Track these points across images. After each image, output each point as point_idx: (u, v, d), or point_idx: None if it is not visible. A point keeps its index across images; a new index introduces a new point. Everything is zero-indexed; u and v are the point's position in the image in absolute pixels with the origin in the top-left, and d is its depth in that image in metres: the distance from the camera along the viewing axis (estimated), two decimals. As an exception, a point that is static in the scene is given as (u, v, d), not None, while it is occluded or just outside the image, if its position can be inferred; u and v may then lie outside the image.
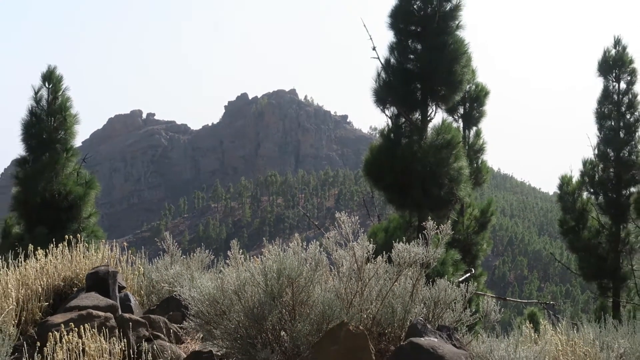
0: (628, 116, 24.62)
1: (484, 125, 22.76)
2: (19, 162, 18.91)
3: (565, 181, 25.31)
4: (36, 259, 9.15)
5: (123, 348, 7.00)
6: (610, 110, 24.74)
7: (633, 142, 24.37)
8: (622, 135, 24.44)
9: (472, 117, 22.14)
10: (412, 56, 16.58)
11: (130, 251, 10.41)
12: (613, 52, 25.05)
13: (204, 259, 10.61)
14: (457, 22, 16.40)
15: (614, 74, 24.91)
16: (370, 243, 7.98)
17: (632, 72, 24.86)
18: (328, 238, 8.08)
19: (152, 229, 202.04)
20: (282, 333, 7.38)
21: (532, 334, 8.62)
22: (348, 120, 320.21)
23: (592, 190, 24.92)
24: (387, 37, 16.87)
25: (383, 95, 16.53)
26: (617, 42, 25.07)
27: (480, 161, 22.04)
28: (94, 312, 7.90)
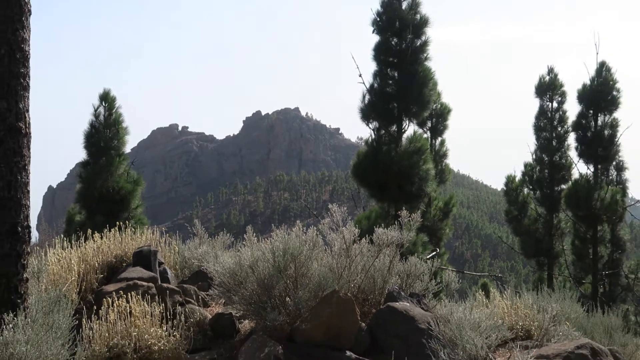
0: (559, 129, 25.49)
1: (447, 135, 22.92)
2: (82, 165, 19.28)
3: (510, 180, 26.34)
4: (94, 241, 9.19)
5: (162, 311, 6.99)
6: (545, 124, 25.62)
7: (563, 149, 25.26)
8: (554, 143, 25.32)
9: (438, 129, 22.27)
10: (390, 81, 17.15)
11: (167, 235, 10.42)
12: (547, 78, 25.83)
13: (226, 240, 10.55)
14: (425, 55, 17.07)
15: (548, 96, 25.71)
16: (356, 228, 8.19)
17: (562, 94, 25.67)
18: (323, 224, 8.26)
19: (185, 217, 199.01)
20: (287, 299, 7.33)
21: (484, 300, 8.91)
22: (340, 131, 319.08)
23: (531, 187, 25.79)
24: (370, 66, 17.49)
25: (367, 112, 17.13)
26: (550, 70, 25.92)
27: (444, 164, 22.12)
28: (139, 282, 7.96)
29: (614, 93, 24.03)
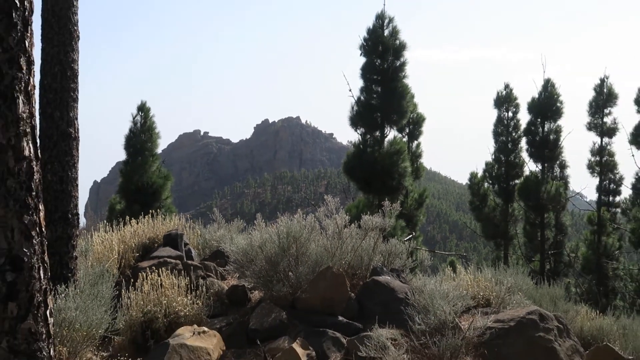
0: (513, 134, 25.33)
1: (422, 139, 22.33)
2: (122, 163, 19.17)
3: (473, 176, 26.19)
4: (131, 225, 9.21)
5: (187, 283, 7.02)
6: (502, 130, 25.48)
7: (516, 151, 25.14)
8: (509, 146, 25.20)
9: (414, 134, 22.05)
10: (374, 95, 17.09)
11: (191, 221, 10.40)
12: (504, 92, 25.74)
13: (239, 225, 10.49)
14: (403, 73, 17.02)
15: (504, 107, 25.57)
16: (346, 215, 8.19)
17: (516, 106, 25.55)
18: (320, 212, 8.31)
19: (206, 206, 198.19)
20: (290, 273, 7.29)
21: (452, 274, 8.92)
22: (333, 136, 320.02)
23: (490, 181, 25.64)
24: (358, 82, 17.45)
25: (356, 120, 17.10)
26: (507, 86, 25.78)
27: (418, 163, 21.89)
28: (168, 259, 7.96)
29: (558, 104, 24.20)
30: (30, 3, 2.57)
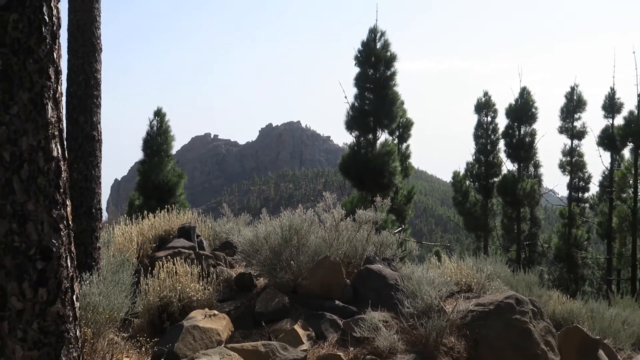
0: (492, 137, 25.43)
1: (411, 141, 22.47)
2: (140, 163, 19.13)
3: (456, 174, 26.19)
4: (148, 219, 9.14)
5: (199, 271, 6.98)
6: (482, 133, 25.57)
7: (495, 152, 25.25)
8: (489, 148, 25.31)
9: (404, 137, 21.99)
10: (367, 102, 17.13)
11: (203, 215, 10.36)
12: (483, 99, 25.82)
13: (246, 219, 10.36)
14: (394, 82, 17.09)
15: (484, 112, 25.68)
16: (342, 210, 8.13)
17: (495, 111, 25.65)
18: (318, 207, 8.23)
19: (216, 202, 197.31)
20: (292, 262, 7.23)
21: (437, 263, 8.84)
22: (330, 138, 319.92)
23: (471, 179, 25.66)
24: (352, 90, 17.55)
25: (351, 125, 17.14)
26: (486, 93, 25.95)
27: (407, 163, 21.83)
28: (182, 250, 7.92)
29: (533, 110, 24.36)
30: (58, 19, 2.57)
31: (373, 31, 17.87)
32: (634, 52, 22.98)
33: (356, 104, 17.37)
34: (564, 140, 26.49)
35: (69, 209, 2.62)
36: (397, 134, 21.95)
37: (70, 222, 2.62)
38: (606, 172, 26.07)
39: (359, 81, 17.46)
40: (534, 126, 24.50)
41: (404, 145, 22.48)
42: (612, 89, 25.61)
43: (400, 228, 15.31)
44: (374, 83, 17.22)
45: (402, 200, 20.27)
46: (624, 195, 24.72)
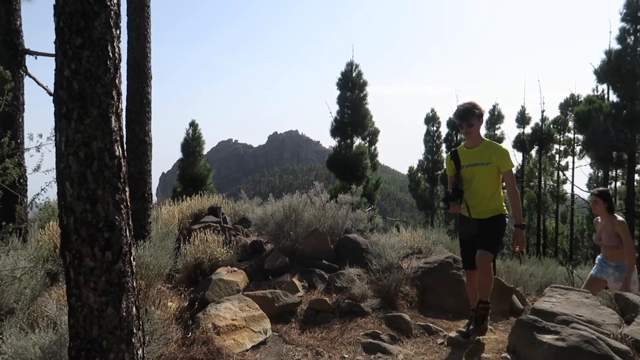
0: (437, 141, 25.42)
1: (378, 144, 22.68)
2: (180, 161, 19.11)
3: (411, 169, 26.17)
4: (186, 201, 9.02)
5: (223, 239, 6.90)
6: (429, 138, 25.54)
7: (439, 152, 25.28)
8: (434, 149, 25.31)
9: (373, 141, 21.77)
10: (346, 116, 17.21)
11: (227, 198, 10.26)
12: (431, 114, 25.69)
13: (258, 201, 10.24)
14: (365, 101, 17.24)
15: (431, 123, 25.59)
16: (328, 195, 8.16)
17: (439, 123, 25.56)
18: (310, 193, 8.23)
19: (236, 189, 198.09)
20: (291, 232, 7.21)
21: (397, 233, 8.83)
22: (320, 142, 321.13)
23: (422, 172, 25.66)
24: (335, 107, 17.54)
25: (334, 132, 17.23)
26: (432, 110, 25.75)
27: (375, 160, 21.72)
28: (211, 223, 7.88)
29: (468, 120, 24.50)
30: (119, 54, 2.57)
31: (350, 64, 17.95)
32: (538, 81, 23.64)
33: (338, 117, 17.46)
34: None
35: (127, 194, 2.63)
36: (368, 139, 21.81)
37: (128, 204, 2.63)
38: (519, 167, 26.25)
39: (340, 100, 17.57)
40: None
41: (373, 147, 22.37)
42: (523, 107, 26.31)
43: (370, 208, 15.30)
44: (351, 102, 17.32)
45: (371, 187, 20.32)
46: (532, 183, 25.13)
